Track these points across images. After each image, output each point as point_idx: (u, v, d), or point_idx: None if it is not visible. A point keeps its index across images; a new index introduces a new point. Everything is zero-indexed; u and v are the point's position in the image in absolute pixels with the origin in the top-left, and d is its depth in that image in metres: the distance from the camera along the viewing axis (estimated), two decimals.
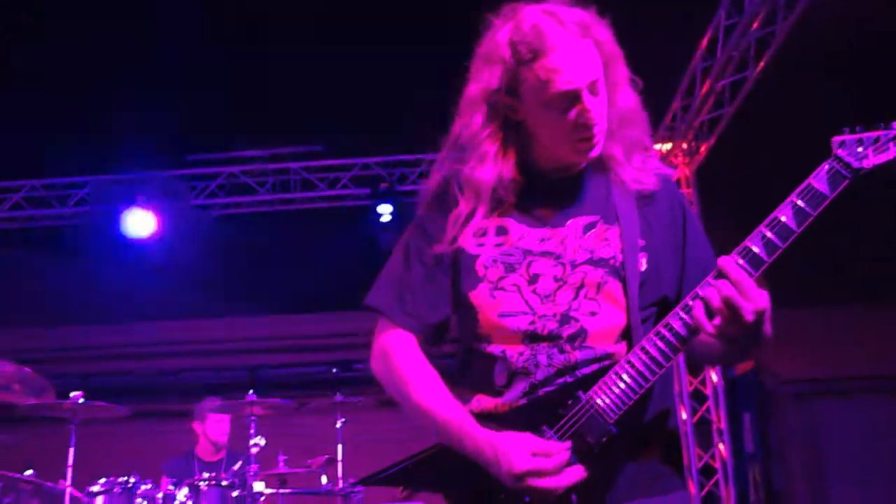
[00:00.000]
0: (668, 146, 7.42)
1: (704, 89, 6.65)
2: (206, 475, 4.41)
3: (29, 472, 4.64)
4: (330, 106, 7.23)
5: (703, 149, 7.33)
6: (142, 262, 7.30)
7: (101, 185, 7.63)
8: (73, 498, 4.45)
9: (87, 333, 7.74)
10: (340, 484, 4.66)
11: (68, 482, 4.47)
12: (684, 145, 7.42)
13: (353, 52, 6.66)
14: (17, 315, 7.57)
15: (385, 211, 7.55)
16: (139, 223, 7.17)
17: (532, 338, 1.68)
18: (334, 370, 7.69)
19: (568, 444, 1.58)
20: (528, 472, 1.55)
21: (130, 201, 7.27)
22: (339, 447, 4.83)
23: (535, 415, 1.63)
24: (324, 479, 4.81)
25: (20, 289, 7.56)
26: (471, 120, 1.77)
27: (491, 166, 1.74)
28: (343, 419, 4.92)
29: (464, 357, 1.80)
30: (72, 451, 4.48)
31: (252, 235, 7.97)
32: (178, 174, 7.69)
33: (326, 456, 4.85)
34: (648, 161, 1.80)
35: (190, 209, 7.47)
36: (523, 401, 1.67)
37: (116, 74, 6.92)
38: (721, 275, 1.52)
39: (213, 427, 5.54)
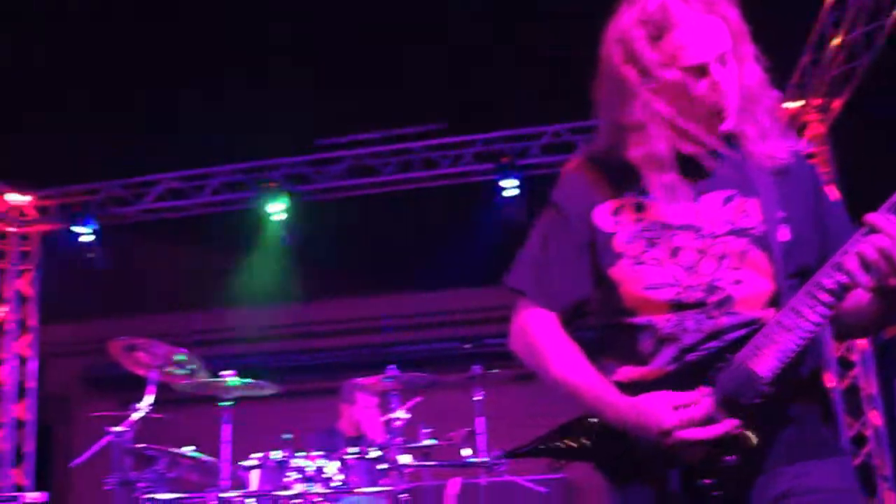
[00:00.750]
0: (799, 104, 7.16)
1: (836, 41, 6.37)
2: (352, 449, 4.63)
3: (189, 447, 4.99)
4: (449, 83, 7.34)
5: (836, 105, 7.04)
6: (279, 246, 7.61)
7: (233, 173, 8.01)
8: (229, 472, 4.75)
9: (237, 316, 8.22)
10: (483, 457, 4.79)
11: (225, 457, 4.77)
12: (816, 102, 7.15)
13: (471, 29, 6.73)
14: (170, 300, 8.08)
15: (509, 185, 7.60)
16: (274, 208, 7.50)
17: (679, 306, 1.73)
18: (467, 346, 7.85)
19: (709, 390, 1.62)
20: (675, 426, 1.60)
21: (262, 188, 7.62)
22: (479, 420, 4.96)
23: (685, 380, 1.68)
24: (465, 452, 4.95)
25: (169, 276, 8.04)
26: (609, 100, 1.83)
27: (628, 145, 1.79)
28: (482, 393, 5.06)
29: (606, 332, 1.86)
30: (227, 427, 4.78)
31: (378, 216, 8.20)
32: (306, 159, 7.96)
33: (468, 429, 4.99)
34: (780, 135, 1.82)
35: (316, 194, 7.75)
36: (672, 366, 1.72)
37: (239, 63, 7.20)
38: (872, 230, 1.52)
39: (361, 411, 5.79)
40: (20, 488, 8.15)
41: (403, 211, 8.16)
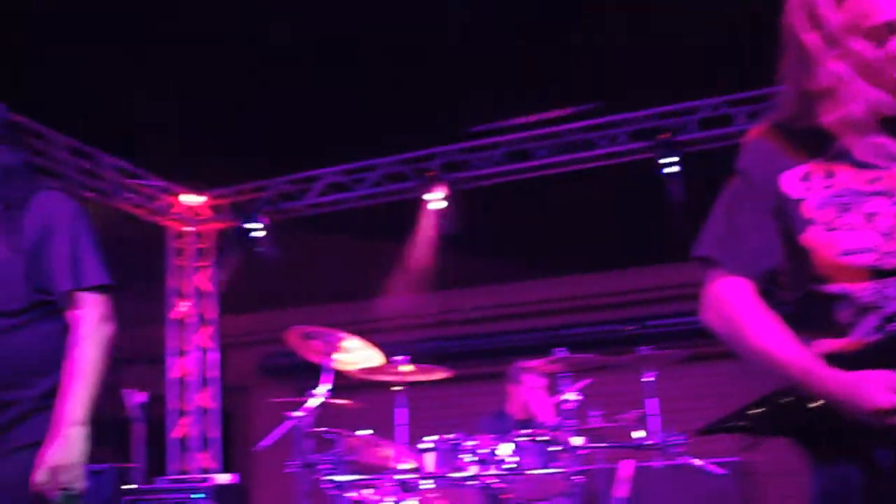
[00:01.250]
0: None
1: None
2: (524, 431, 4.71)
3: (366, 431, 5.19)
4: (601, 62, 7.24)
5: None
6: (440, 233, 7.74)
7: (392, 165, 8.21)
8: (406, 454, 4.92)
9: (406, 303, 8.45)
10: (656, 439, 4.75)
11: (401, 440, 4.95)
12: None
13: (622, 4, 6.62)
14: (340, 290, 8.37)
15: (668, 163, 7.44)
16: (433, 198, 7.65)
17: (878, 273, 1.66)
18: (630, 327, 7.78)
19: None
20: (890, 409, 1.55)
21: (421, 177, 7.77)
22: (651, 402, 4.92)
23: (889, 350, 1.62)
24: (637, 434, 4.92)
25: (339, 267, 8.32)
26: (793, 67, 1.80)
27: (818, 111, 1.76)
28: (653, 374, 5.01)
29: (799, 302, 1.82)
30: (401, 411, 4.95)
31: (536, 200, 8.21)
32: (462, 146, 8.06)
33: (639, 411, 4.96)
34: None
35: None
36: (874, 337, 1.66)
37: None
38: None
39: (529, 393, 5.87)
40: (207, 471, 8.55)
41: (561, 194, 8.13)
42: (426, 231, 7.91)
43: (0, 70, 6.30)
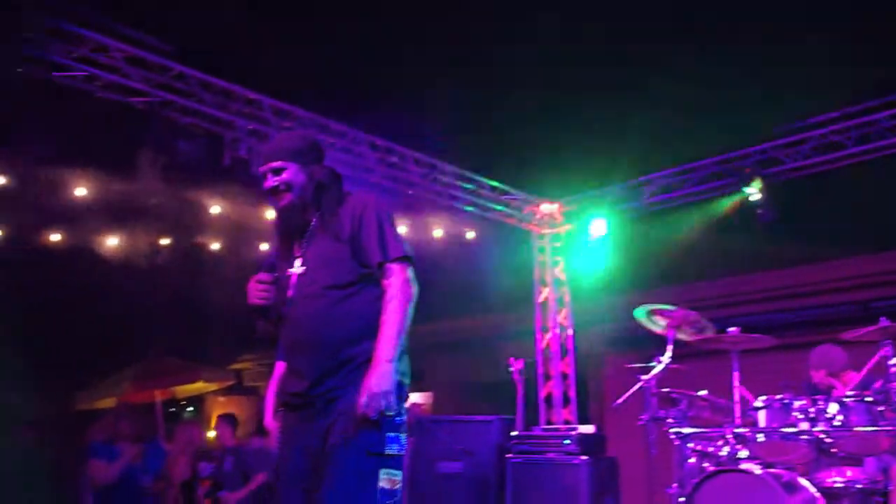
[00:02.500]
0: None
1: None
2: (849, 393, 4.52)
3: (703, 392, 5.30)
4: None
5: None
6: (760, 222, 7.49)
7: (712, 165, 8.05)
8: (740, 411, 4.94)
9: (737, 282, 8.33)
10: None
11: (736, 398, 4.98)
12: None
13: None
14: (680, 274, 8.37)
15: None
16: (751, 191, 7.45)
17: None
18: None
19: None
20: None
21: (739, 174, 7.57)
22: None
23: None
24: None
25: (681, 255, 8.31)
26: None
27: None
28: None
29: None
30: (736, 374, 4.98)
31: (845, 186, 7.63)
32: (774, 144, 7.72)
33: None
34: None
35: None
36: None
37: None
38: None
39: (821, 365, 5.57)
40: (568, 423, 8.99)
41: (868, 180, 7.46)
42: (746, 221, 7.69)
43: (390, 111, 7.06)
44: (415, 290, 2.73)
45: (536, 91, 7.54)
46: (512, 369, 7.46)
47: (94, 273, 10.14)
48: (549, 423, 9.07)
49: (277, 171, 2.85)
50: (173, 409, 15.20)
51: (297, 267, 2.84)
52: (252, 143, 7.09)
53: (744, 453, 5.00)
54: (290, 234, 2.92)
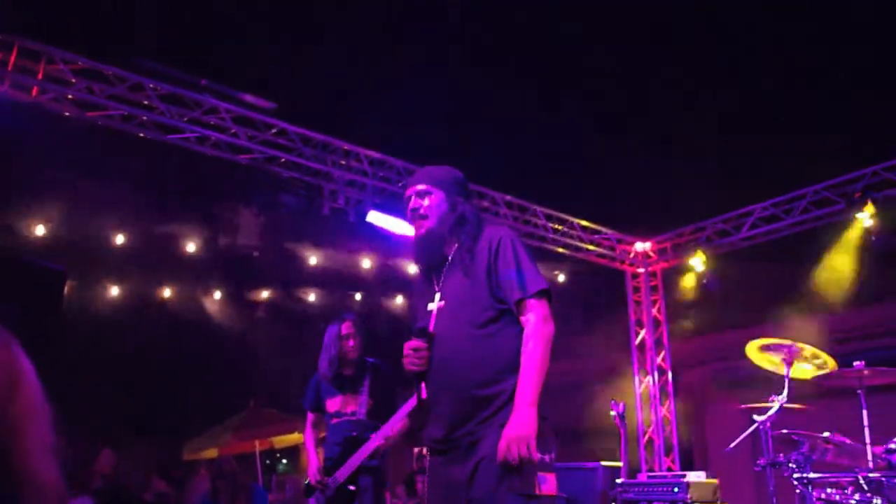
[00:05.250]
0: None
1: None
2: None
3: (827, 433, 4.85)
4: None
5: None
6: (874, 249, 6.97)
7: (816, 192, 7.61)
8: (873, 454, 4.50)
9: (860, 315, 7.74)
10: None
11: (867, 440, 4.54)
12: None
13: None
14: (774, 311, 7.90)
15: None
16: (862, 216, 6.96)
17: None
18: None
19: None
20: None
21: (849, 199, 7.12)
22: None
23: None
24: None
25: (772, 292, 7.85)
26: None
27: None
28: None
29: None
30: (864, 412, 4.55)
31: None
32: (886, 165, 7.21)
33: None
34: None
35: None
36: None
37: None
38: None
39: None
40: (671, 469, 8.55)
41: None
42: (861, 249, 7.19)
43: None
44: (553, 326, 2.61)
45: (625, 126, 7.39)
46: (613, 413, 7.13)
47: (200, 327, 10.39)
48: (650, 471, 8.61)
49: (422, 195, 2.83)
50: (268, 461, 15.34)
51: (437, 302, 2.76)
52: (350, 193, 7.16)
53: (878, 501, 4.55)
54: (427, 266, 2.86)
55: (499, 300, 2.66)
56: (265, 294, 10.46)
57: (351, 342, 4.78)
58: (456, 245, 2.78)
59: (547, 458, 2.51)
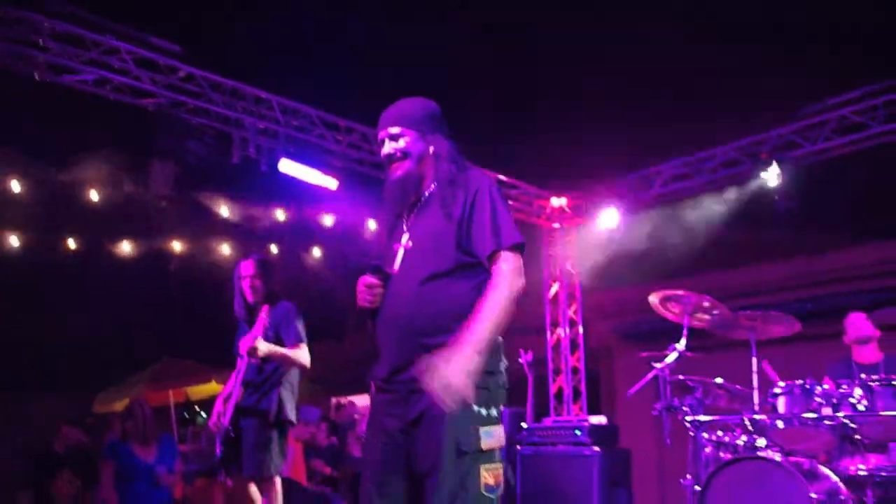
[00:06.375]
0: None
1: None
2: (874, 376, 4.28)
3: (719, 379, 5.05)
4: None
5: None
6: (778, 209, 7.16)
7: (726, 153, 7.77)
8: (759, 398, 4.71)
9: (753, 272, 8.00)
10: None
11: (754, 385, 4.75)
12: None
13: None
14: (685, 267, 8.13)
15: None
16: (768, 177, 7.15)
17: None
18: None
19: None
20: None
21: (755, 161, 7.29)
22: None
23: None
24: None
25: (685, 247, 8.05)
26: None
27: None
28: None
29: None
30: (753, 359, 4.74)
31: (869, 169, 7.31)
32: (792, 128, 7.43)
33: None
34: None
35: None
36: None
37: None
38: None
39: (855, 333, 5.39)
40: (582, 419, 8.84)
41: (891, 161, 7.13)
42: (764, 208, 7.38)
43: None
44: (523, 282, 2.49)
45: (545, 84, 7.39)
46: (521, 361, 7.29)
47: (108, 278, 10.01)
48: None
49: (395, 138, 2.67)
50: (187, 415, 15.09)
51: (405, 241, 2.64)
52: (261, 141, 6.93)
53: (762, 441, 4.79)
54: (400, 207, 2.70)
55: (465, 252, 2.54)
56: (176, 246, 10.12)
57: (247, 283, 4.65)
58: (432, 186, 2.65)
59: (494, 412, 2.44)
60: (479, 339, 2.34)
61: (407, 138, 2.65)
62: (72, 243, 9.93)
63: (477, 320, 2.37)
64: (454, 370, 2.25)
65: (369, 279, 2.60)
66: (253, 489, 4.53)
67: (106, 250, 9.97)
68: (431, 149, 2.65)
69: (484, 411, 2.42)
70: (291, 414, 4.65)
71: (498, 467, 2.42)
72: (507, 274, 2.46)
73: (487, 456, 2.40)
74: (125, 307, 11.05)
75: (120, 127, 7.28)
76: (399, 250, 2.63)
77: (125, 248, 9.98)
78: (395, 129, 2.66)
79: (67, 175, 8.42)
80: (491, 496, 2.38)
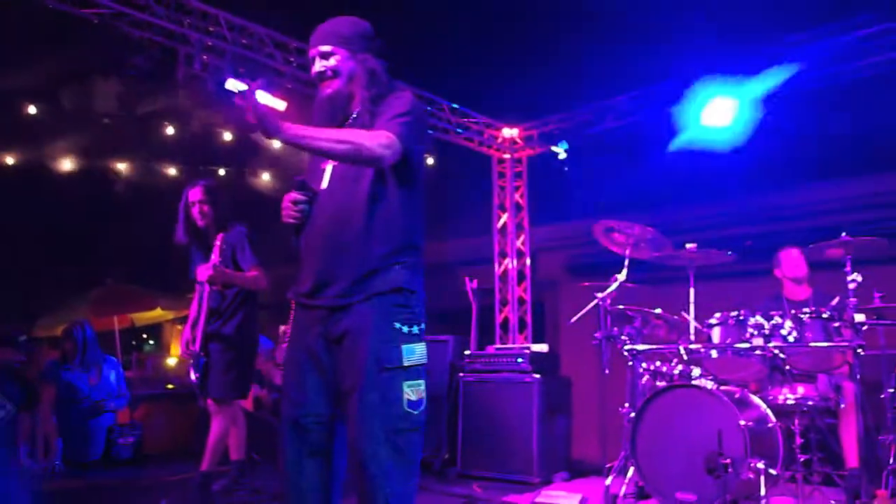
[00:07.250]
0: None
1: None
2: (805, 309, 4.39)
3: (658, 309, 5.14)
4: None
5: None
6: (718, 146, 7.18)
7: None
8: (695, 328, 4.81)
9: (707, 207, 8.07)
10: None
11: (690, 315, 4.84)
12: None
13: None
14: (626, 202, 8.17)
15: None
16: (717, 113, 7.12)
17: None
18: None
19: None
20: None
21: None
22: None
23: None
24: None
25: (630, 182, 8.08)
26: None
27: None
28: None
29: None
30: (691, 290, 4.82)
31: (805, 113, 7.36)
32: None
33: None
34: None
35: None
36: None
37: None
38: None
39: (787, 267, 5.51)
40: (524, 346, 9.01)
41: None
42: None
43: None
44: (384, 153, 2.39)
45: (499, 11, 7.19)
46: (466, 289, 7.33)
47: (48, 196, 9.65)
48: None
49: (326, 56, 2.63)
50: (134, 342, 14.88)
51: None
52: (208, 59, 6.63)
53: (696, 370, 4.92)
54: (329, 125, 2.63)
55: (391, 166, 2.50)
56: (120, 165, 9.76)
57: (196, 209, 4.58)
58: (363, 103, 2.61)
59: (416, 329, 2.47)
60: (298, 133, 2.30)
61: (337, 56, 2.62)
62: (9, 159, 9.51)
63: (317, 129, 2.37)
64: (260, 105, 2.20)
65: (294, 195, 2.58)
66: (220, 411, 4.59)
67: (46, 167, 9.58)
68: (362, 66, 2.63)
69: (406, 328, 2.44)
70: (255, 336, 4.71)
71: (420, 384, 2.45)
72: (378, 137, 2.40)
73: (410, 372, 2.42)
74: (66, 227, 10.69)
75: (63, 36, 6.87)
76: (327, 168, 2.62)
77: (66, 165, 9.60)
78: (325, 48, 2.63)
79: (5, 86, 8.00)
80: (413, 412, 2.41)
